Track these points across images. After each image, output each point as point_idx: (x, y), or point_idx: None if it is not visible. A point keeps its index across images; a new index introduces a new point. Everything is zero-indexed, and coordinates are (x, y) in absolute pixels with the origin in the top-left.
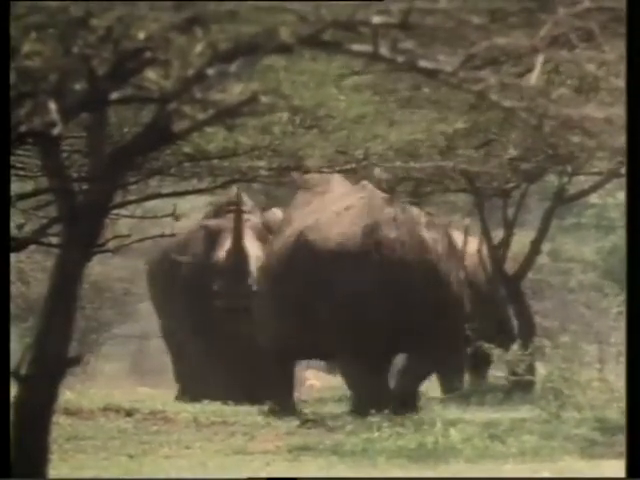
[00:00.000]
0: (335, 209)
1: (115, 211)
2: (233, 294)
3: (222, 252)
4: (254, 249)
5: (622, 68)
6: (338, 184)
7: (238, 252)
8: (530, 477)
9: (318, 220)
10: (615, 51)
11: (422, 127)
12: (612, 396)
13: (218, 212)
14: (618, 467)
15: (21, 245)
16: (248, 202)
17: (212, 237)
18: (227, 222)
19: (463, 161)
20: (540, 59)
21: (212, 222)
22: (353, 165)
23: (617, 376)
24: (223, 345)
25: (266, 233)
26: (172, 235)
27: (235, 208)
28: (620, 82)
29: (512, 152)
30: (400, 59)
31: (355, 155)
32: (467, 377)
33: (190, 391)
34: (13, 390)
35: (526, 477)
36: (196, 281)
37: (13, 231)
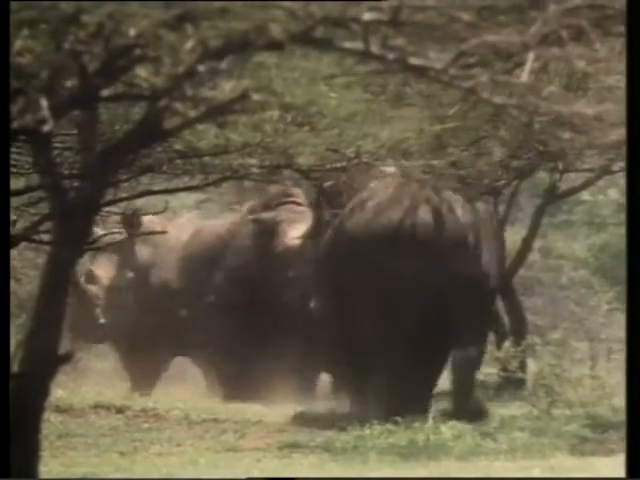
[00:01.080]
0: (368, 195)
1: (106, 208)
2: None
3: (289, 241)
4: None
5: (613, 65)
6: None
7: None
8: (530, 477)
9: (354, 208)
10: (606, 48)
11: (413, 125)
12: (603, 393)
13: (267, 205)
14: (609, 464)
15: (12, 242)
16: (301, 194)
17: (267, 230)
18: (281, 214)
19: (454, 159)
20: (530, 56)
21: (265, 215)
22: (344, 163)
23: (608, 373)
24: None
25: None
26: (164, 232)
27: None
28: (610, 79)
29: (503, 149)
30: (391, 56)
31: (347, 153)
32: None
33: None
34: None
35: (526, 477)
36: (254, 274)
37: None
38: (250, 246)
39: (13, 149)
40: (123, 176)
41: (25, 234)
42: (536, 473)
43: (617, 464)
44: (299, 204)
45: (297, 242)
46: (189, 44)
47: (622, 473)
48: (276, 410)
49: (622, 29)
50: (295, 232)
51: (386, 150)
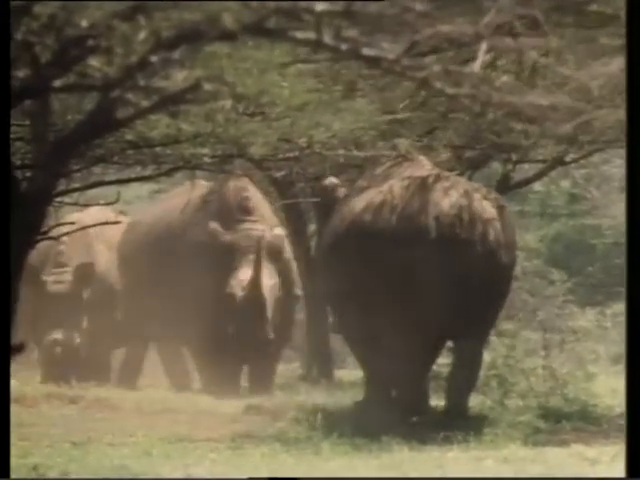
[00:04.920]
0: (387, 187)
1: (58, 199)
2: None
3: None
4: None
5: (566, 56)
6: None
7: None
8: (531, 477)
9: (372, 200)
10: (559, 39)
11: (365, 116)
12: (556, 383)
13: (225, 217)
14: (561, 455)
15: None
16: (257, 204)
17: (223, 253)
18: (240, 239)
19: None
20: (484, 46)
21: (226, 236)
22: (296, 153)
23: (561, 364)
24: None
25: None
26: (117, 222)
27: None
28: (564, 69)
29: (456, 140)
30: (343, 47)
31: (299, 143)
32: None
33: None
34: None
35: (527, 477)
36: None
37: None
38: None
39: None
40: (75, 166)
41: None
42: (489, 464)
43: (569, 455)
44: (256, 222)
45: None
46: (142, 35)
47: (574, 463)
48: (229, 401)
49: (574, 19)
50: (245, 272)
51: (338, 140)
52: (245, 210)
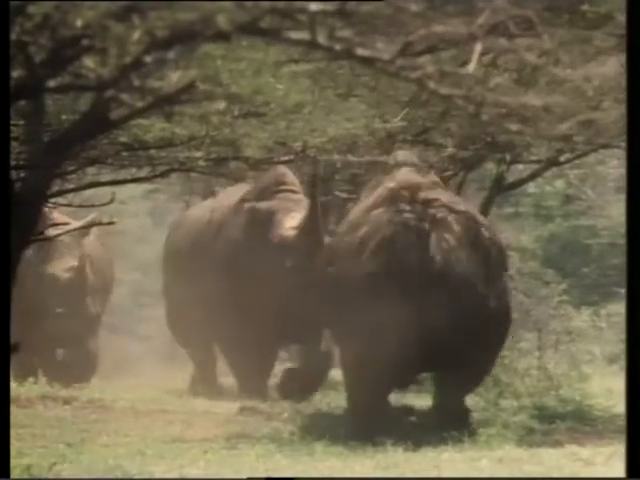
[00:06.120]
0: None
1: (53, 199)
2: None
3: (286, 232)
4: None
5: (561, 56)
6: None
7: (313, 228)
8: (532, 477)
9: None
10: (554, 39)
11: (361, 122)
12: (550, 384)
13: (261, 194)
14: (555, 455)
15: None
16: (296, 182)
17: (263, 219)
18: (278, 203)
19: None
20: (478, 47)
21: (262, 205)
22: (292, 156)
23: (556, 364)
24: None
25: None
26: (111, 223)
27: (312, 180)
28: (559, 70)
29: (450, 140)
30: (338, 47)
31: (294, 147)
32: None
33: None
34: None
35: (528, 477)
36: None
37: None
38: (243, 237)
39: None
40: (70, 167)
41: None
42: (484, 464)
43: (563, 455)
44: (295, 192)
45: (293, 232)
46: (136, 35)
47: (568, 463)
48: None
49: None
50: (292, 221)
51: (333, 144)
52: (282, 183)
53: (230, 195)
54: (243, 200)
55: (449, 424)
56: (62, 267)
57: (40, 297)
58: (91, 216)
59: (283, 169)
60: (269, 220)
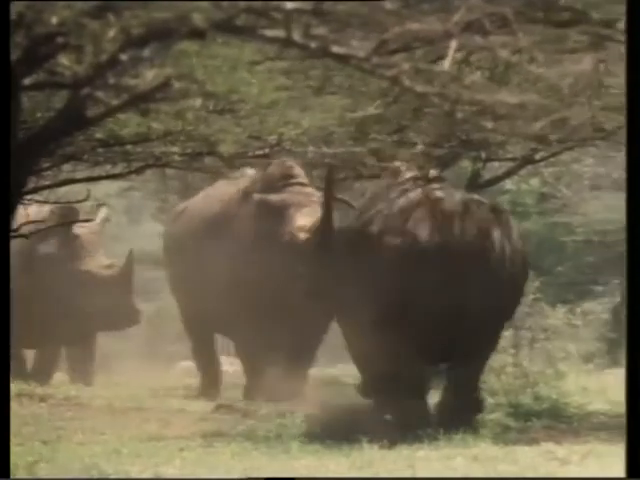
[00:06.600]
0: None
1: (29, 196)
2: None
3: (298, 230)
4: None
5: (536, 54)
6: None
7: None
8: (533, 477)
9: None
10: (529, 37)
11: (335, 113)
12: (526, 381)
13: (269, 186)
14: (531, 453)
15: None
16: (303, 174)
17: (273, 212)
18: (290, 197)
19: (376, 147)
20: (453, 45)
21: (272, 197)
22: (267, 150)
23: (531, 361)
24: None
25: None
26: (88, 220)
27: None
28: (534, 68)
29: (425, 138)
30: (313, 45)
31: (268, 140)
32: None
33: None
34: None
35: (529, 477)
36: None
37: None
38: (253, 229)
39: None
40: (45, 164)
41: None
42: (459, 462)
43: (539, 453)
44: (304, 185)
45: (305, 235)
46: (111, 33)
47: (544, 461)
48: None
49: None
50: (304, 219)
51: (307, 137)
52: (291, 176)
53: (232, 184)
54: (248, 190)
55: (466, 413)
56: (97, 264)
57: (74, 295)
58: (104, 211)
59: (289, 161)
60: (280, 214)
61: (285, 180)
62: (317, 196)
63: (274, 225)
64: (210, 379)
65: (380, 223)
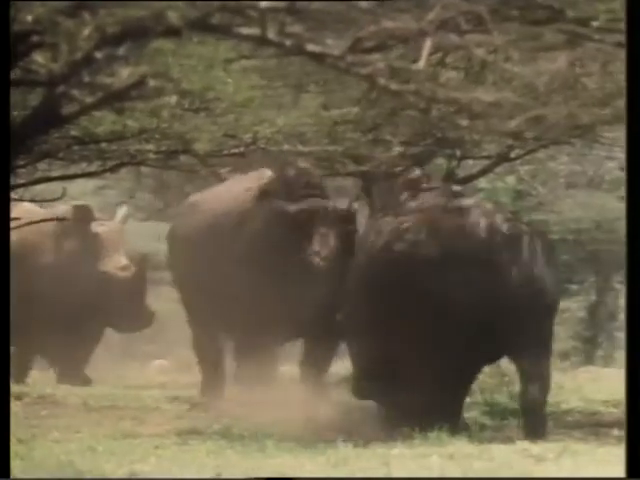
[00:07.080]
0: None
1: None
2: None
3: (316, 257)
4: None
5: (511, 52)
6: None
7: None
8: (535, 478)
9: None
10: (504, 35)
11: (310, 111)
12: (502, 380)
13: (286, 191)
14: (506, 451)
15: None
16: (319, 180)
17: (291, 227)
18: (310, 210)
19: (351, 145)
20: (428, 43)
21: (292, 207)
22: (242, 149)
23: (507, 360)
24: None
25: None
26: (63, 219)
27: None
28: (510, 66)
29: (400, 136)
30: (288, 43)
31: (244, 139)
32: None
33: None
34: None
35: (531, 477)
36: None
37: None
38: (268, 238)
39: None
40: (20, 162)
41: None
42: (434, 460)
43: (514, 451)
44: (323, 197)
45: (324, 263)
46: (86, 31)
47: (519, 459)
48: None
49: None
50: (322, 247)
51: (283, 135)
52: (308, 183)
53: (244, 183)
54: (266, 193)
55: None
56: (114, 265)
57: (94, 295)
58: (124, 209)
59: (304, 163)
60: (298, 228)
61: (305, 190)
62: (335, 211)
63: (290, 240)
64: (213, 379)
65: (405, 237)
